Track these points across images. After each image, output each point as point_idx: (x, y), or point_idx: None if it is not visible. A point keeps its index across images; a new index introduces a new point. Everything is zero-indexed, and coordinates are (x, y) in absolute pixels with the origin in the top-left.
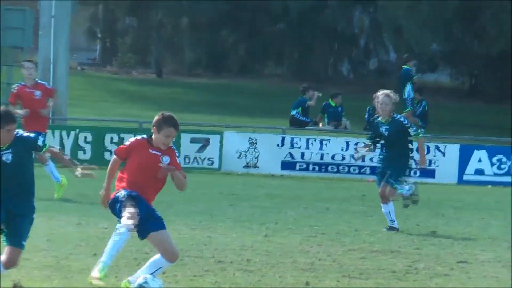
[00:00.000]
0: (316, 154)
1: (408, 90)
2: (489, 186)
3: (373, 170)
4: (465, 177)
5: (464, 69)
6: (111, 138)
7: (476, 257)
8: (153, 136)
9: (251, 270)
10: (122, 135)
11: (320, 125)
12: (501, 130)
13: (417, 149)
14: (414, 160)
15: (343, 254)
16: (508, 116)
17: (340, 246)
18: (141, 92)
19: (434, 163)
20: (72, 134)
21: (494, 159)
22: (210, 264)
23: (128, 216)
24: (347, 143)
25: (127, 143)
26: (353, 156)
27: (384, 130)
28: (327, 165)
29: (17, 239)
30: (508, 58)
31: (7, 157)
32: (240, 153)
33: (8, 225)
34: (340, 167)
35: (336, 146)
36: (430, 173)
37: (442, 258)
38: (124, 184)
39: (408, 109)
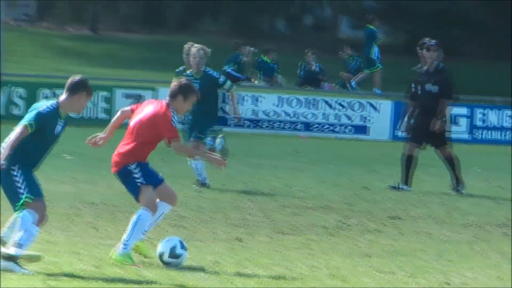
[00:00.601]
0: (249, 110)
1: (375, 51)
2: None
3: (306, 126)
4: (398, 133)
5: (400, 26)
6: (44, 94)
7: (408, 213)
8: (173, 106)
9: (184, 226)
10: (56, 91)
11: (254, 80)
12: None
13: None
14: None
15: (276, 210)
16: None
17: (273, 202)
18: (76, 48)
19: (368, 119)
20: (6, 90)
21: None
22: None
23: (149, 199)
24: (281, 99)
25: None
26: (285, 112)
27: (195, 85)
28: (260, 121)
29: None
30: (449, 15)
31: (60, 128)
32: None
33: None
34: (273, 123)
35: (269, 103)
36: (363, 130)
37: (374, 214)
38: (144, 155)
39: (378, 67)
